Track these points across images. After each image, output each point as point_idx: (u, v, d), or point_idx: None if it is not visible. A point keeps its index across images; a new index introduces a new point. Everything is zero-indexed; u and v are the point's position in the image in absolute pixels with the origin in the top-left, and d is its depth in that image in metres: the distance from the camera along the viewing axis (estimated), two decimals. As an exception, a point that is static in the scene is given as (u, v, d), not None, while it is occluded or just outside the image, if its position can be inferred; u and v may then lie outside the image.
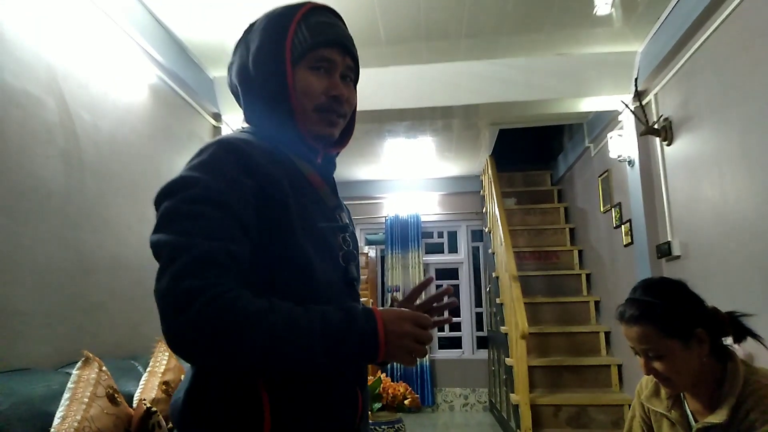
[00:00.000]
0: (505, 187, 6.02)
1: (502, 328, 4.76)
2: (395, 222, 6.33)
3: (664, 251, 3.33)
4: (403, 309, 0.82)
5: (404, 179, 6.47)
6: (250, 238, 0.82)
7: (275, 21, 0.97)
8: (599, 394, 4.10)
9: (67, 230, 2.35)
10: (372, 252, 6.17)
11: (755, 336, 1.28)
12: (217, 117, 3.99)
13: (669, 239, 3.30)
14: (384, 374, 2.27)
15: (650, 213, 3.52)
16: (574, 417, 3.95)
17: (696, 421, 1.29)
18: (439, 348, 6.29)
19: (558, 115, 4.35)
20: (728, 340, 1.31)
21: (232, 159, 0.84)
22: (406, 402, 2.16)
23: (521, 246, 5.39)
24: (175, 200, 0.80)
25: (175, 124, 3.42)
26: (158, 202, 0.83)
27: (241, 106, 1.04)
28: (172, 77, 3.30)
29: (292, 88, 0.92)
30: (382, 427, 2.11)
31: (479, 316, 6.31)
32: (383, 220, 6.45)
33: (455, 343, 6.31)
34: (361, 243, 6.62)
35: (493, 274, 5.39)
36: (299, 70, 0.93)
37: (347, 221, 1.03)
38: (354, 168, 6.12)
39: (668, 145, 3.34)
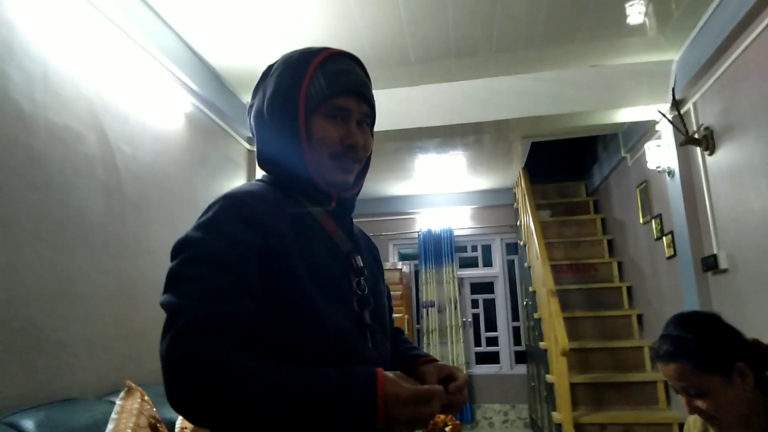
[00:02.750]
0: (539, 200, 5.92)
1: (541, 344, 4.65)
2: (428, 237, 6.29)
3: (710, 264, 3.21)
4: (406, 387, 0.78)
5: (437, 194, 6.44)
6: (253, 296, 0.82)
7: (292, 68, 0.97)
8: (646, 412, 3.96)
9: (109, 260, 2.41)
10: (406, 267, 6.13)
11: None
12: (251, 141, 4.05)
13: (715, 252, 3.18)
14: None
15: (693, 225, 3.40)
16: (619, 436, 3.82)
17: None
18: (477, 363, 6.19)
19: (592, 126, 4.26)
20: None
21: (233, 215, 0.85)
22: (447, 429, 2.11)
23: (558, 259, 5.29)
24: (177, 261, 0.82)
25: (210, 149, 3.49)
26: (171, 260, 0.85)
27: (255, 141, 1.05)
28: (207, 104, 3.37)
29: (305, 136, 0.93)
30: (423, 455, 2.07)
31: (516, 330, 6.20)
32: (416, 235, 6.42)
33: (493, 358, 6.20)
34: (394, 258, 6.60)
35: (530, 288, 5.29)
36: (315, 119, 0.94)
37: (363, 264, 1.00)
38: (386, 184, 6.12)
39: (710, 154, 3.23)
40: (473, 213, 6.43)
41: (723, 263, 3.11)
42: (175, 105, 3.05)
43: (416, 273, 6.42)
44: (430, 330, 6.07)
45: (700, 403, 1.20)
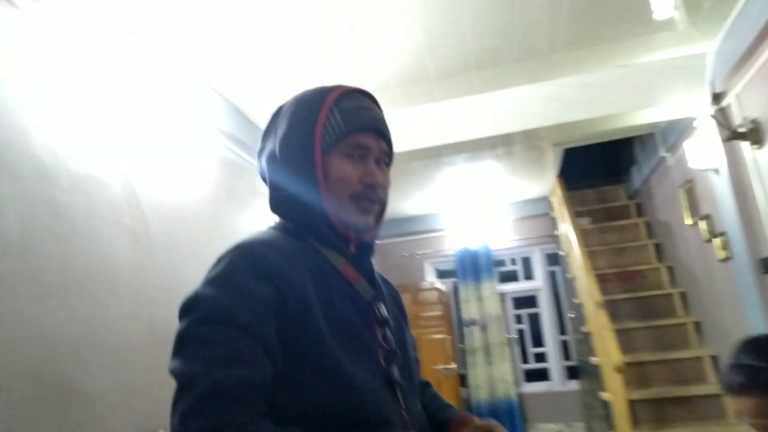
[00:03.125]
0: (577, 207, 5.71)
1: (593, 359, 4.43)
2: (465, 254, 6.14)
3: (769, 266, 2.98)
4: None
5: (469, 208, 6.28)
6: (273, 358, 0.76)
7: (306, 107, 0.92)
8: (714, 428, 3.69)
9: (139, 306, 2.38)
10: (444, 286, 5.98)
11: None
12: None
13: (775, 252, 2.95)
14: None
15: (747, 224, 3.18)
16: (686, 456, 3.57)
17: None
18: (526, 380, 5.95)
19: (626, 128, 4.08)
20: None
21: (247, 268, 0.79)
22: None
23: (602, 267, 5.05)
24: (187, 322, 0.77)
25: (236, 183, 3.47)
26: (179, 320, 0.79)
27: (266, 184, 0.99)
28: (229, 137, 3.36)
29: (321, 176, 0.89)
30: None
31: (565, 344, 5.95)
32: (451, 251, 6.27)
33: (542, 374, 5.96)
34: (431, 277, 6.46)
35: (575, 300, 5.07)
36: (332, 158, 0.90)
37: (387, 313, 0.93)
38: (415, 202, 6.02)
39: (759, 148, 3.01)
40: (509, 225, 6.25)
41: (785, 264, 2.88)
42: (197, 141, 3.04)
43: (455, 291, 6.25)
44: (475, 349, 5.88)
45: None
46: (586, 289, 4.36)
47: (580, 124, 3.64)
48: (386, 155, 0.96)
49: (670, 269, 4.79)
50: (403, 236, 6.50)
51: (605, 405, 4.15)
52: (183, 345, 0.75)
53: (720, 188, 3.40)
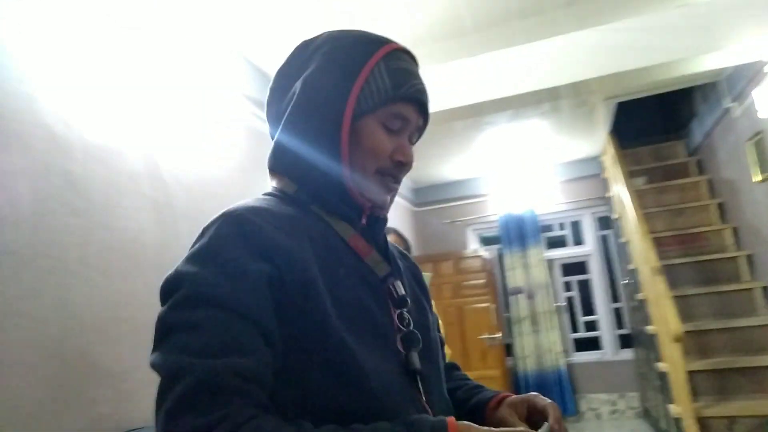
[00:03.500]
0: (631, 166, 5.35)
1: (648, 328, 4.16)
2: (509, 219, 5.88)
3: None
4: (484, 429, 0.62)
5: (513, 171, 5.99)
6: (272, 343, 0.64)
7: (347, 53, 0.79)
8: (783, 401, 3.40)
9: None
10: (488, 253, 5.77)
11: None
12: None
13: None
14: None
15: (829, 178, 2.82)
16: (754, 431, 3.30)
17: None
18: (576, 350, 5.72)
19: (686, 77, 3.71)
20: None
21: (237, 240, 0.67)
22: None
23: (659, 230, 4.73)
24: (167, 306, 0.65)
25: (265, 152, 3.34)
26: (160, 302, 0.68)
27: (271, 133, 0.88)
28: (258, 105, 3.23)
29: (346, 140, 0.76)
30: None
31: (618, 311, 5.66)
32: (495, 217, 6.02)
33: (593, 344, 5.71)
34: (474, 244, 6.24)
35: (629, 266, 4.78)
36: (367, 123, 0.77)
37: (405, 291, 0.79)
38: (454, 166, 5.78)
39: None
40: (557, 188, 5.93)
41: None
42: (224, 110, 2.92)
43: (500, 258, 6.03)
44: (521, 318, 5.68)
45: None
46: (642, 254, 4.07)
47: (635, 73, 3.31)
48: (419, 132, 0.85)
49: (735, 231, 4.42)
50: (444, 203, 6.29)
51: (662, 376, 3.90)
52: (165, 334, 0.63)
53: (797, 139, 3.04)
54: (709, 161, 4.93)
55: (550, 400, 0.77)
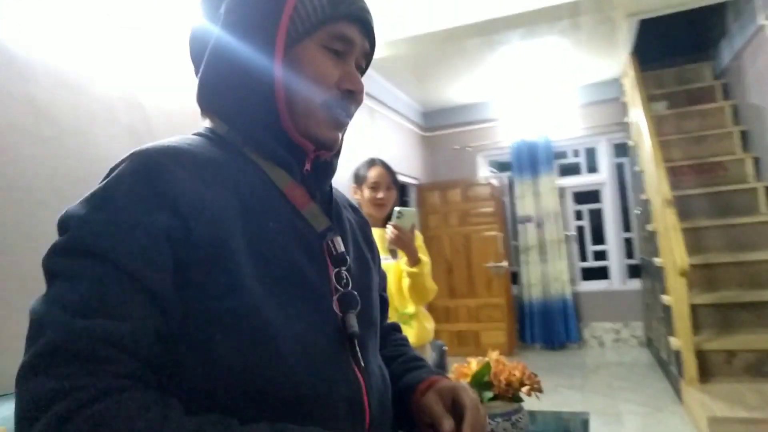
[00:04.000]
0: (652, 89, 5.05)
1: (656, 260, 4.06)
2: (521, 146, 5.67)
3: None
4: None
5: (527, 94, 5.70)
6: (162, 309, 0.57)
7: None
8: (787, 337, 3.33)
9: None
10: (496, 181, 5.62)
11: None
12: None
13: None
14: (494, 354, 1.89)
15: None
16: (753, 365, 3.27)
17: None
18: (583, 279, 5.68)
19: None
20: None
21: (139, 184, 0.59)
22: (524, 390, 1.77)
23: (676, 159, 4.51)
24: (49, 250, 0.57)
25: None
26: None
27: (196, 72, 0.73)
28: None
29: (281, 69, 0.66)
30: (497, 419, 1.75)
31: (629, 241, 5.55)
32: (506, 144, 5.81)
33: (601, 273, 5.65)
34: (484, 171, 6.08)
35: (642, 196, 4.61)
36: (305, 48, 0.68)
37: (347, 248, 0.72)
38: (465, 89, 5.51)
39: None
40: (573, 112, 5.65)
41: None
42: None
43: (510, 186, 5.88)
44: (529, 247, 5.61)
45: None
46: (655, 184, 3.90)
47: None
48: (365, 59, 0.75)
49: (757, 160, 4.19)
50: (454, 127, 6.07)
51: (666, 309, 3.85)
52: (48, 280, 0.57)
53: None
54: (736, 84, 4.60)
55: (474, 399, 0.71)
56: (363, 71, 0.76)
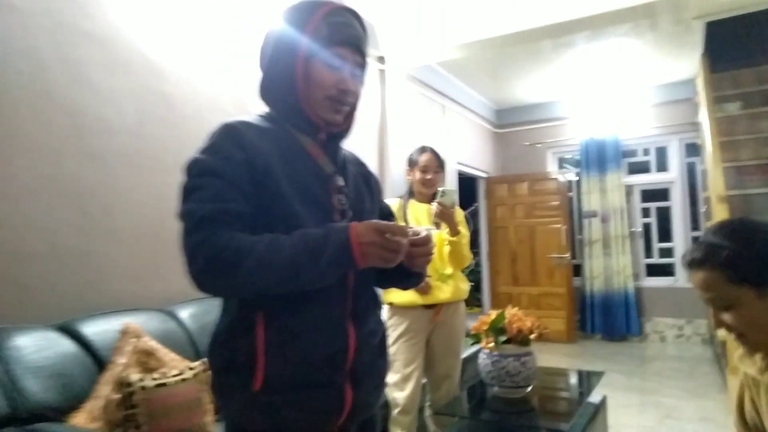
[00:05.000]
0: (728, 90, 5.02)
1: (712, 256, 4.14)
2: (590, 144, 5.82)
3: None
4: (375, 221, 0.96)
5: (598, 93, 5.84)
6: (247, 199, 0.98)
7: (299, 14, 1.08)
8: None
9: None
10: (561, 177, 5.81)
11: None
12: (381, 60, 4.15)
13: None
14: (515, 309, 2.26)
15: None
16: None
17: None
18: (648, 275, 5.75)
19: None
20: None
21: (227, 138, 1.02)
22: (532, 336, 2.13)
23: (744, 159, 4.52)
24: (187, 179, 1.00)
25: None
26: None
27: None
28: None
29: (301, 76, 1.06)
30: (508, 358, 2.15)
31: (696, 240, 5.54)
32: (576, 141, 5.98)
33: (667, 270, 5.69)
34: (553, 167, 6.28)
35: (703, 195, 4.67)
36: (315, 63, 1.06)
37: (347, 184, 1.13)
38: (536, 88, 5.74)
39: None
40: (645, 112, 5.73)
41: None
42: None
43: (578, 182, 6.04)
44: (593, 241, 5.77)
45: (728, 316, 1.07)
46: (712, 182, 4.00)
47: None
48: (360, 67, 1.12)
49: (830, 161, 4.15)
50: (525, 125, 6.31)
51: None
52: (184, 194, 0.99)
53: None
54: (816, 85, 4.53)
55: (428, 234, 1.07)
56: (361, 74, 1.13)
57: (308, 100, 1.07)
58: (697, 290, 1.12)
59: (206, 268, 0.91)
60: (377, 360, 1.11)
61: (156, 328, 2.09)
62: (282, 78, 1.08)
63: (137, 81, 2.36)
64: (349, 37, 1.08)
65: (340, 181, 1.12)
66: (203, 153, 1.01)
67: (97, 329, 1.94)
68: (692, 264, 1.11)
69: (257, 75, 1.12)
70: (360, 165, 1.26)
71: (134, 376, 1.72)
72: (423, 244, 1.01)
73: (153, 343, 1.95)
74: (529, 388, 2.23)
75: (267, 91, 1.12)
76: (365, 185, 1.22)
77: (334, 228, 0.95)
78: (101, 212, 2.20)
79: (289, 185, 1.02)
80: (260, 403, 0.97)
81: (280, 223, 0.99)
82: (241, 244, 0.92)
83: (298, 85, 1.06)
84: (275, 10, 1.12)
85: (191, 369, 1.87)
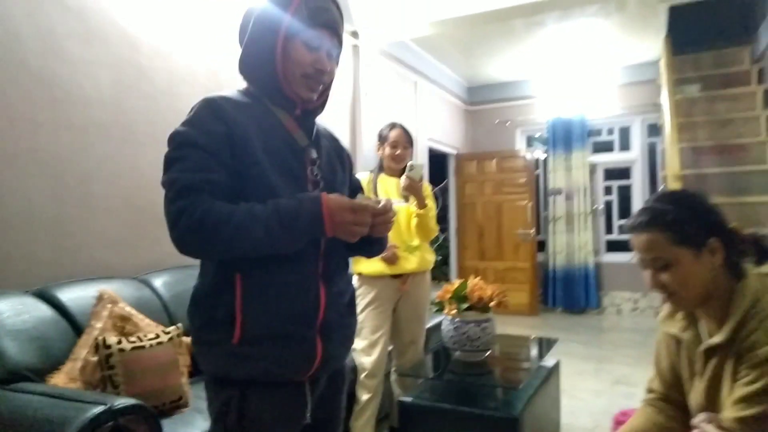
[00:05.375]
0: (689, 72, 5.22)
1: (667, 232, 4.37)
2: (557, 123, 5.99)
3: None
4: (348, 200, 1.04)
5: (566, 73, 5.98)
6: (226, 169, 1.06)
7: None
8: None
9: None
10: (529, 154, 5.98)
11: None
12: (354, 35, 4.18)
13: None
14: (477, 278, 2.39)
15: None
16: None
17: None
18: (607, 251, 6.01)
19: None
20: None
21: (208, 113, 1.08)
22: (492, 304, 2.27)
23: (701, 140, 4.74)
24: (169, 150, 1.07)
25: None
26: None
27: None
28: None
29: (280, 56, 1.13)
30: (469, 324, 2.29)
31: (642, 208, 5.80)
32: (544, 120, 6.14)
33: (626, 246, 5.95)
34: (521, 145, 6.44)
35: (661, 174, 4.89)
36: (295, 42, 1.12)
37: (320, 156, 1.21)
38: (508, 66, 5.85)
39: None
40: (610, 92, 5.90)
41: None
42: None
43: (544, 159, 6.22)
44: (556, 217, 5.98)
45: (664, 276, 1.18)
46: (669, 161, 4.20)
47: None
48: (336, 48, 1.19)
49: (778, 144, 4.38)
50: (494, 103, 6.44)
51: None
52: (167, 164, 1.05)
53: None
54: (769, 70, 4.75)
55: (390, 204, 1.15)
56: (337, 55, 1.20)
57: (286, 77, 1.14)
58: (639, 252, 1.23)
59: (187, 233, 0.99)
60: (346, 318, 1.21)
61: (131, 295, 2.16)
62: (262, 55, 1.14)
63: (112, 52, 2.37)
64: (328, 21, 1.15)
65: (314, 154, 1.19)
66: (185, 125, 1.08)
67: (72, 295, 2.00)
68: (639, 226, 1.22)
69: (231, 49, 1.18)
70: (333, 139, 1.33)
71: (112, 338, 1.80)
72: (381, 214, 1.09)
73: (129, 309, 2.02)
74: (488, 353, 2.39)
75: (246, 66, 1.18)
76: (338, 159, 1.30)
77: (306, 199, 1.03)
78: (76, 181, 2.24)
79: (265, 157, 1.09)
80: (239, 355, 1.05)
81: (257, 193, 1.06)
82: (219, 211, 0.99)
83: (277, 63, 1.13)
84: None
85: (166, 333, 1.95)
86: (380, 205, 1.09)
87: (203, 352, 1.11)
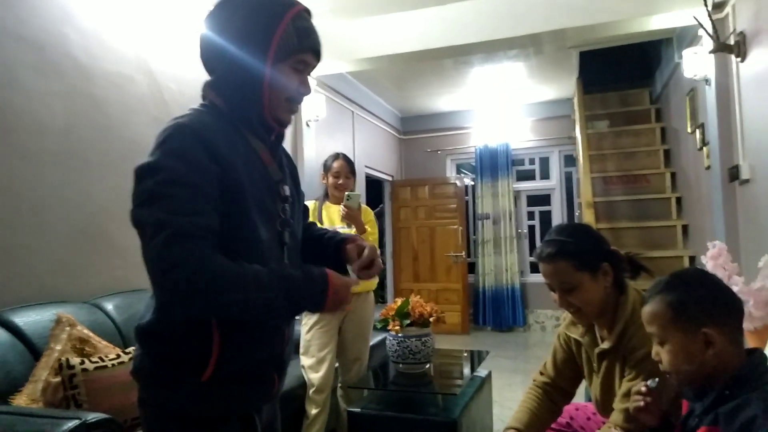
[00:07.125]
0: (598, 109, 5.82)
1: (582, 254, 4.81)
2: (484, 151, 6.43)
3: (734, 175, 3.20)
4: (351, 279, 1.08)
5: (493, 107, 6.47)
6: (218, 213, 0.97)
7: (266, 13, 1.05)
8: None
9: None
10: (459, 182, 6.37)
11: (648, 271, 1.44)
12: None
13: (740, 162, 3.16)
14: (417, 297, 2.62)
15: (725, 134, 3.34)
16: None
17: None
18: (531, 272, 6.46)
19: (632, 34, 4.12)
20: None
21: (197, 146, 0.96)
22: (431, 319, 2.50)
23: (609, 170, 5.28)
24: (152, 182, 0.91)
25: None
26: (137, 179, 0.95)
27: (207, 69, 1.12)
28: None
29: (268, 78, 1.05)
30: (411, 339, 2.49)
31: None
32: (473, 149, 6.57)
33: (548, 267, 6.42)
34: (452, 172, 6.84)
35: (577, 200, 5.38)
36: (282, 66, 1.06)
37: (288, 193, 1.17)
38: (439, 99, 6.26)
39: (742, 61, 3.11)
40: (531, 125, 6.43)
41: (745, 173, 3.09)
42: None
43: (474, 186, 6.64)
44: (485, 240, 6.37)
45: (570, 297, 1.45)
46: (583, 189, 4.66)
47: (581, 29, 3.75)
48: (313, 69, 1.15)
49: (673, 175, 4.97)
50: (426, 133, 6.84)
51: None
52: (150, 199, 0.90)
53: (709, 99, 3.52)
54: (664, 110, 5.38)
55: (372, 246, 1.24)
56: (309, 74, 1.12)
57: (271, 102, 1.08)
58: (548, 278, 1.50)
59: (187, 289, 0.86)
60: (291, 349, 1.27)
61: (85, 318, 2.21)
62: (250, 81, 1.05)
63: (67, 83, 2.45)
64: (314, 43, 1.11)
65: (286, 190, 1.15)
66: (170, 158, 0.93)
67: (28, 319, 2.04)
68: (547, 257, 1.48)
69: (182, 79, 1.13)
70: (289, 158, 1.29)
71: (75, 359, 1.87)
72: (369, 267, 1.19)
73: (87, 331, 2.09)
74: (428, 365, 2.61)
75: (225, 89, 1.08)
76: (294, 185, 1.25)
77: (317, 276, 1.00)
78: (29, 209, 2.28)
79: (250, 199, 1.03)
80: (204, 393, 1.00)
81: (239, 234, 1.00)
82: (224, 272, 0.90)
83: (264, 89, 1.06)
84: (198, 16, 1.12)
85: (126, 353, 2.03)
86: (365, 255, 1.17)
87: (157, 386, 1.02)
